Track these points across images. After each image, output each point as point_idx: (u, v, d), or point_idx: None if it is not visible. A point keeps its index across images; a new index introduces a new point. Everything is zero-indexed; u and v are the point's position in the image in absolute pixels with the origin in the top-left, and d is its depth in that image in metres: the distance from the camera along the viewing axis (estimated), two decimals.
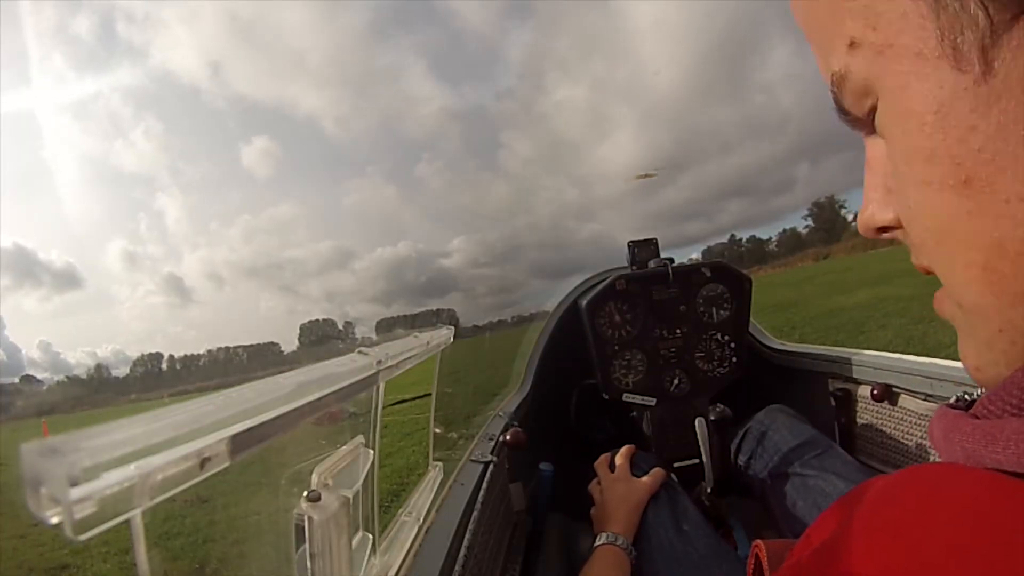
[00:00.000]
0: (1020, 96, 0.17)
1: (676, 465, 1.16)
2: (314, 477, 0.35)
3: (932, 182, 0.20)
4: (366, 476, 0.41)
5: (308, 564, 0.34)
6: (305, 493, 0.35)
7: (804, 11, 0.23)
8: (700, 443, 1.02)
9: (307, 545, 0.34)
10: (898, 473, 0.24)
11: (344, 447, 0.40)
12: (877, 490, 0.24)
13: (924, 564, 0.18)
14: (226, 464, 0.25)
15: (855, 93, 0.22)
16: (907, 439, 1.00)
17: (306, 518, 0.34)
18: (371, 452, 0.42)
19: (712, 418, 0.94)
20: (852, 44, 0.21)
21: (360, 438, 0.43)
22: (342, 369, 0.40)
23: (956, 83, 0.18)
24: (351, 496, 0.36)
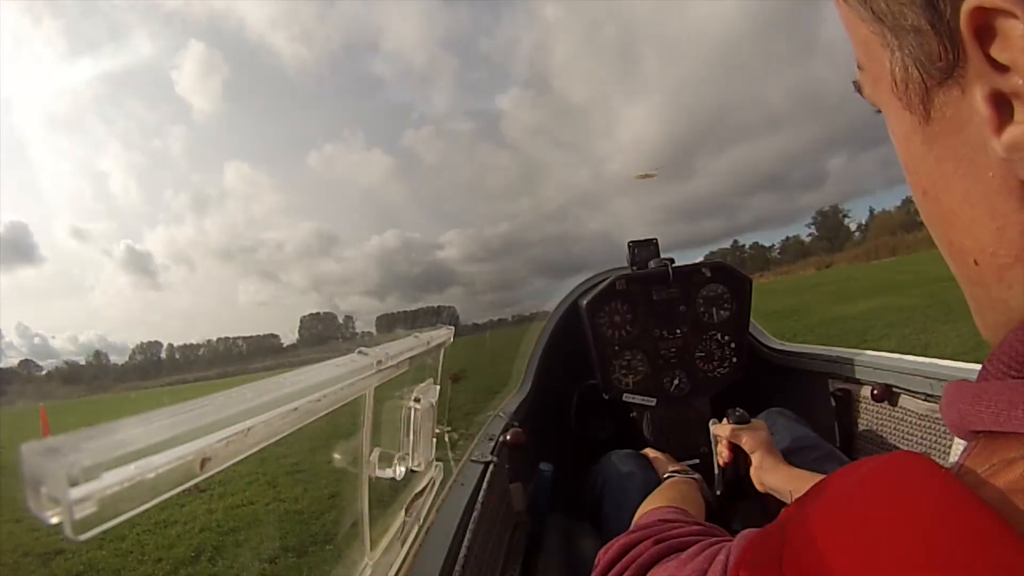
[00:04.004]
0: (948, 140, 0.22)
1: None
2: (414, 395, 0.63)
3: (909, 185, 0.26)
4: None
5: (411, 437, 0.60)
6: (413, 396, 0.62)
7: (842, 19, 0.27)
8: (712, 445, 1.01)
9: (411, 424, 0.61)
10: (884, 458, 0.25)
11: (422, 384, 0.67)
12: (857, 478, 0.25)
13: (879, 562, 0.20)
14: (226, 464, 0.25)
15: (869, 101, 0.27)
16: (907, 439, 1.00)
17: (412, 409, 0.61)
18: (437, 387, 0.70)
19: (731, 421, 0.93)
20: (859, 66, 0.26)
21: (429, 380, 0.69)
22: (343, 370, 0.40)
23: (910, 121, 0.24)
24: (434, 402, 0.65)
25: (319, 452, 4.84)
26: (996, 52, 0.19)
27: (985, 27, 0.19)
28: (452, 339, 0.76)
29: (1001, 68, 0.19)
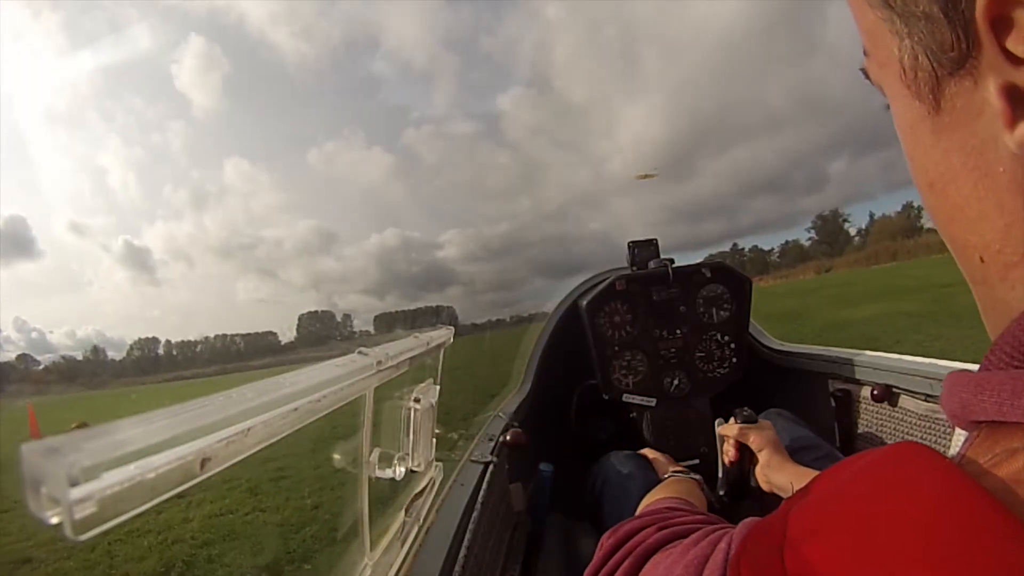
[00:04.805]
0: (958, 132, 0.22)
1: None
2: (414, 395, 0.64)
3: (914, 178, 0.25)
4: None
5: (411, 437, 0.61)
6: (414, 396, 0.62)
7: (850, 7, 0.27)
8: (719, 444, 1.01)
9: (411, 424, 0.61)
10: (886, 449, 0.24)
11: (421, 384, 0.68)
12: (858, 468, 0.24)
13: (880, 552, 0.19)
14: (226, 464, 0.25)
15: (876, 87, 0.26)
16: (907, 440, 1.00)
17: (412, 409, 0.62)
18: (437, 387, 0.70)
19: (739, 421, 0.93)
20: (865, 52, 0.26)
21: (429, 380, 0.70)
22: (343, 370, 0.40)
23: (918, 111, 0.23)
24: (434, 402, 0.66)
25: (305, 457, 4.65)
26: (1012, 44, 0.19)
27: (1002, 18, 0.19)
28: (452, 339, 0.76)
29: (1017, 61, 0.19)
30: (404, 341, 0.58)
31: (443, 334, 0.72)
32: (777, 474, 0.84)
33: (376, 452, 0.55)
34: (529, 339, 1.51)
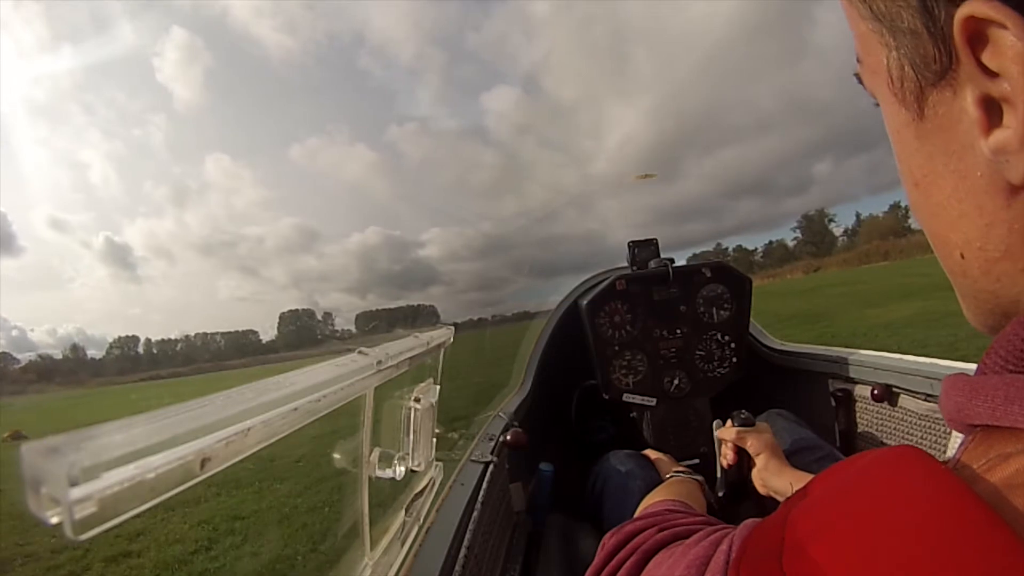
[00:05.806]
0: (940, 137, 0.23)
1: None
2: (414, 395, 0.64)
3: (901, 176, 0.27)
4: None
5: (411, 437, 0.61)
6: (413, 396, 0.63)
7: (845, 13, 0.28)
8: (716, 446, 1.01)
9: (411, 424, 0.61)
10: (884, 451, 0.24)
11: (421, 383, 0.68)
12: (855, 472, 0.25)
13: (874, 555, 0.20)
14: (226, 464, 0.25)
15: (868, 92, 0.28)
16: (907, 439, 1.00)
17: (412, 409, 0.62)
18: (437, 387, 0.71)
19: (736, 424, 0.93)
20: (859, 59, 0.27)
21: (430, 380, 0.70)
22: (343, 370, 0.40)
23: (904, 116, 0.25)
24: (434, 402, 0.66)
25: (176, 515, 3.87)
26: (987, 59, 0.20)
27: (977, 34, 0.20)
28: (452, 339, 0.76)
29: (991, 74, 0.20)
30: (404, 341, 0.58)
31: (443, 334, 0.72)
32: (774, 478, 0.84)
33: (376, 452, 0.55)
34: (529, 339, 1.51)
